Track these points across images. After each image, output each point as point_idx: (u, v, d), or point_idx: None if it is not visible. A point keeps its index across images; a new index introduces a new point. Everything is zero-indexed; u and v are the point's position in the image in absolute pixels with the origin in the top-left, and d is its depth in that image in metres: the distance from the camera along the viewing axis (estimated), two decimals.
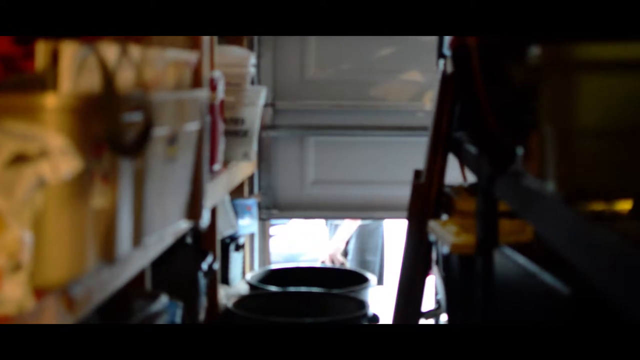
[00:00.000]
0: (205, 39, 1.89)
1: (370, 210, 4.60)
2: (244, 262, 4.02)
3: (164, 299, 1.98)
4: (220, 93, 2.69)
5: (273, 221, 5.37)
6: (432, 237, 2.76)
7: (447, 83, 2.83)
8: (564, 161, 1.32)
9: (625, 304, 1.00)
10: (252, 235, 4.27)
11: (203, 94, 1.82)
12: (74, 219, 1.22)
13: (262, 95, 3.27)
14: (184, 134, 1.68)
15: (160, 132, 1.49)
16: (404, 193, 4.48)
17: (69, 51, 1.22)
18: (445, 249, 2.49)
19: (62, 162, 1.12)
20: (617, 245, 1.02)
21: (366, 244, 5.27)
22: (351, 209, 4.62)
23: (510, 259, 1.74)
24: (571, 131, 1.31)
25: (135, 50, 1.43)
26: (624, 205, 1.41)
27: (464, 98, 1.84)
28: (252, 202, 3.95)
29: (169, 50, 1.67)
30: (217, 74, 2.68)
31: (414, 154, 4.43)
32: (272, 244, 4.92)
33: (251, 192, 4.29)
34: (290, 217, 4.84)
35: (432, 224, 2.56)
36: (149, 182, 1.50)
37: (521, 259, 1.67)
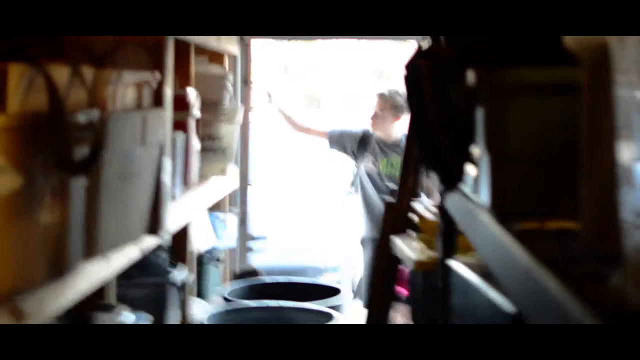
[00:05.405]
0: (169, 60, 1.94)
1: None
2: (224, 276, 4.07)
3: (125, 312, 2.03)
4: (195, 111, 2.74)
5: (254, 235, 5.37)
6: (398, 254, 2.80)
7: None
8: (495, 181, 1.37)
9: (531, 320, 1.04)
10: (231, 250, 4.31)
11: (163, 113, 1.87)
12: (20, 233, 1.27)
13: (239, 113, 3.32)
14: (143, 152, 1.73)
15: (114, 150, 1.53)
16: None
17: (17, 71, 1.27)
18: (409, 266, 2.53)
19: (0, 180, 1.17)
20: (524, 264, 1.06)
21: None
22: None
23: (461, 276, 1.78)
24: (502, 153, 1.36)
25: (88, 71, 1.48)
26: (571, 225, 1.45)
27: (415, 116, 1.89)
28: (230, 216, 3.99)
29: (128, 71, 1.72)
30: (192, 92, 2.73)
31: None
32: (254, 258, 4.95)
33: (230, 206, 4.33)
34: None
35: (397, 241, 2.61)
36: (104, 198, 1.54)
37: (471, 276, 1.71)
